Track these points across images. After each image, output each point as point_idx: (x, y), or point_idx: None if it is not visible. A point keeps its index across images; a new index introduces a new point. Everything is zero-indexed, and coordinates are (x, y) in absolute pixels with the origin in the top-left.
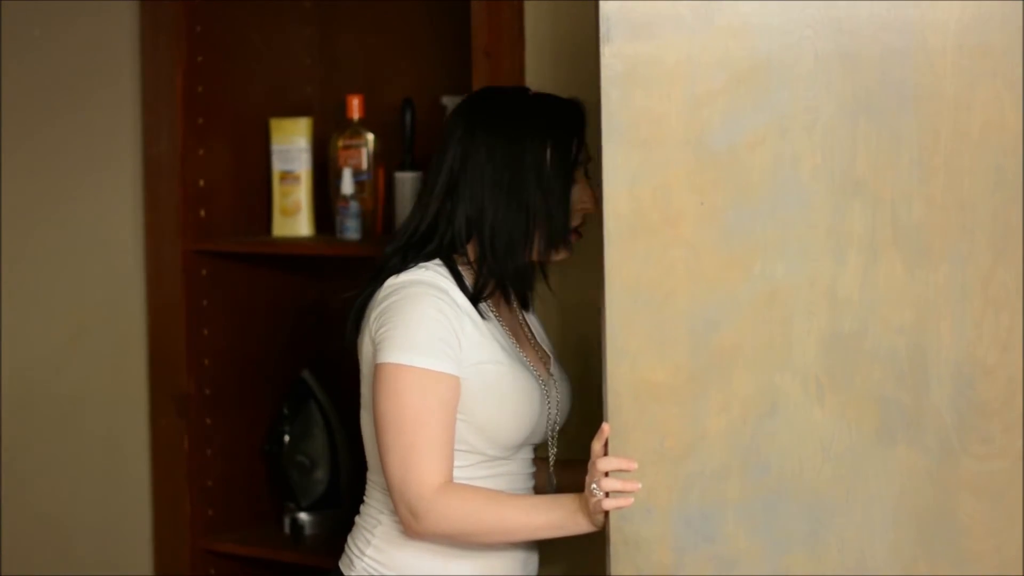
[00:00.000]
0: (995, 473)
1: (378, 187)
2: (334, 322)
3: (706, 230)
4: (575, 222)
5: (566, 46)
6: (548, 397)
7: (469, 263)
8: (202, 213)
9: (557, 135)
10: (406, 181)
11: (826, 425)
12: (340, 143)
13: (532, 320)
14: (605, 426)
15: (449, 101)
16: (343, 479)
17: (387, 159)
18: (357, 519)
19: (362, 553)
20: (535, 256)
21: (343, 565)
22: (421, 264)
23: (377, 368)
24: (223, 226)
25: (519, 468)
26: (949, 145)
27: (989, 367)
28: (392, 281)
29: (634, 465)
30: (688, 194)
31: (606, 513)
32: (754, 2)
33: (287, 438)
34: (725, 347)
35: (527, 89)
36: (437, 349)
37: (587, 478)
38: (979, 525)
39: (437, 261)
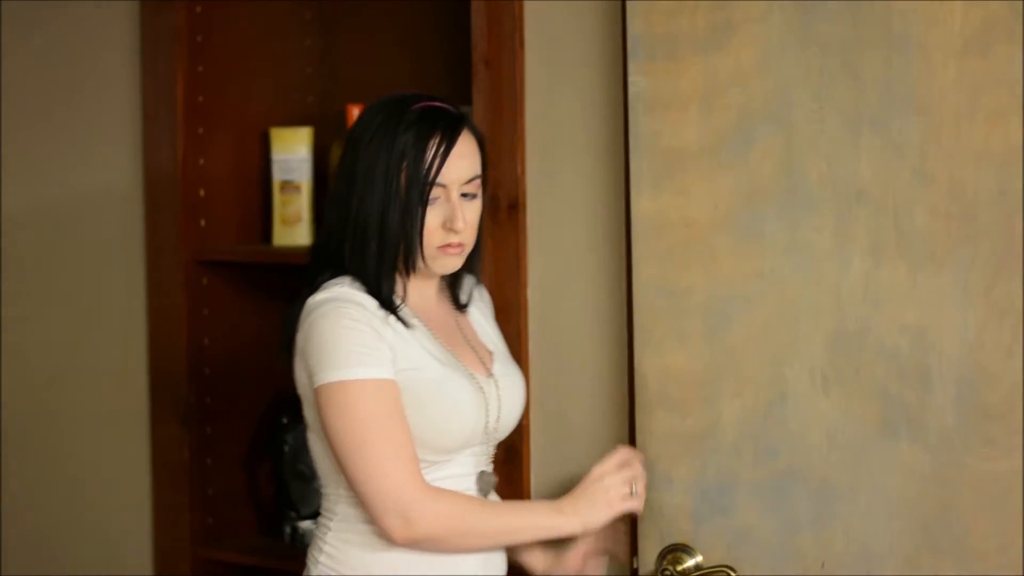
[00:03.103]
0: (998, 475)
1: None
2: None
3: (720, 231)
4: (437, 243)
5: (567, 55)
6: (486, 398)
7: None
8: (203, 223)
9: (410, 152)
10: None
11: (832, 416)
12: (340, 153)
13: (474, 318)
14: (628, 455)
15: None
16: None
17: None
18: (315, 530)
19: (316, 560)
20: (403, 270)
21: (305, 573)
22: (334, 281)
23: (317, 392)
24: (224, 236)
25: (462, 470)
26: (951, 155)
27: (992, 373)
28: (309, 302)
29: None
30: (704, 198)
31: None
32: (765, 23)
33: (287, 447)
34: (738, 339)
35: (413, 98)
36: (367, 357)
37: (616, 478)
38: (982, 524)
39: (349, 278)
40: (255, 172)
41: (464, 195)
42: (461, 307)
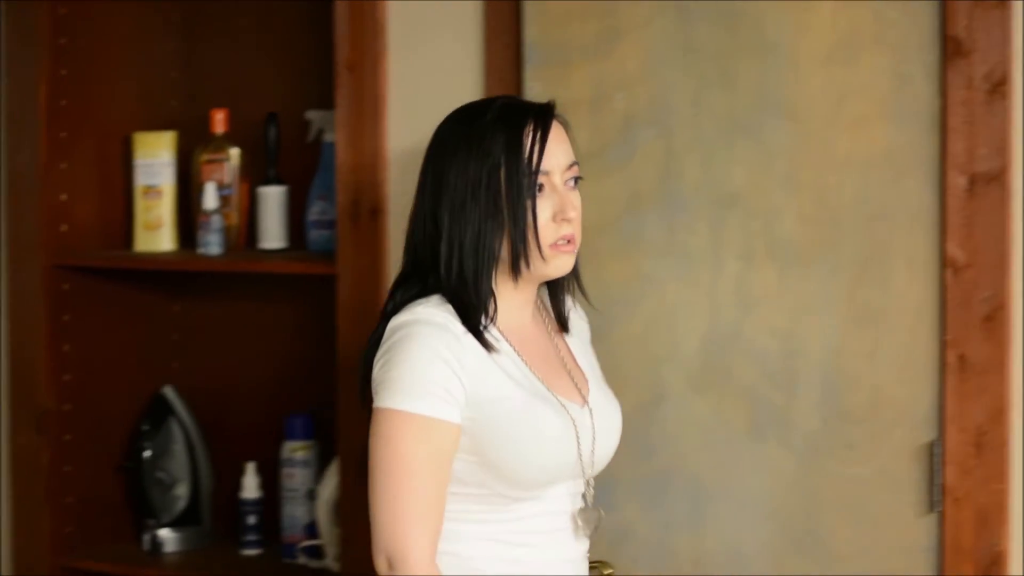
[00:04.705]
0: (858, 479)
1: (242, 202)
2: (196, 338)
3: (606, 234)
4: (550, 239)
5: (430, 59)
6: (577, 428)
7: None
8: (64, 228)
9: (506, 149)
10: (270, 196)
11: (705, 417)
12: (204, 157)
13: (575, 341)
14: None
15: (313, 115)
16: (203, 496)
17: (252, 174)
18: None
19: None
20: (512, 277)
21: None
22: (421, 300)
23: (373, 412)
24: (85, 241)
25: (555, 507)
26: (817, 161)
27: (853, 377)
28: (393, 323)
29: None
30: (592, 201)
31: None
32: (648, 30)
33: (147, 454)
34: (621, 339)
35: (487, 100)
36: (431, 393)
37: None
38: (843, 528)
39: (438, 296)
40: (118, 177)
41: (567, 182)
42: (563, 328)
